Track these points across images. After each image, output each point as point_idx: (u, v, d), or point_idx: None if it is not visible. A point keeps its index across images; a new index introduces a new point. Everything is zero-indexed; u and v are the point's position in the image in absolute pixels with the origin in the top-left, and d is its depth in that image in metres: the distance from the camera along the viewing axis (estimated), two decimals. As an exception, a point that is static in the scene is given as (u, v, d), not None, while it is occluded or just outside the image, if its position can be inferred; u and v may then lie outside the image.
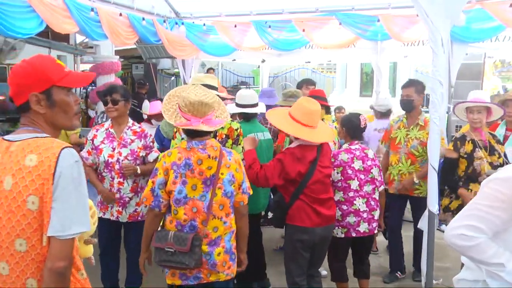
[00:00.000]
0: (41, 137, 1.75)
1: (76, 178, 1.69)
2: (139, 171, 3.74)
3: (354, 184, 3.85)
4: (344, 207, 3.84)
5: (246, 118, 4.27)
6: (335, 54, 8.24)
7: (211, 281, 2.92)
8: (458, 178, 4.21)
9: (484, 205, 1.84)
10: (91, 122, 8.22)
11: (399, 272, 4.80)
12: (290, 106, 3.71)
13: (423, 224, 3.95)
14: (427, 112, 4.11)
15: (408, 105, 4.61)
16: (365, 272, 4.16)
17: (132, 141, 3.79)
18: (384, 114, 5.88)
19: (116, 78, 9.21)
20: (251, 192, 3.06)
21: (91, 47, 9.44)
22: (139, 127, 3.91)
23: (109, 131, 3.81)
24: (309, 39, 7.21)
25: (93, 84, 9.18)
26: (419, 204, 4.39)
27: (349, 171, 3.85)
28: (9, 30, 4.73)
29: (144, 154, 3.82)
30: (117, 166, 3.73)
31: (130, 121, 3.91)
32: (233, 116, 4.68)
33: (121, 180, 3.75)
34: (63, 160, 1.67)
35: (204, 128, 2.77)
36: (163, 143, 4.95)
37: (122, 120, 3.83)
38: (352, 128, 3.98)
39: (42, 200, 1.64)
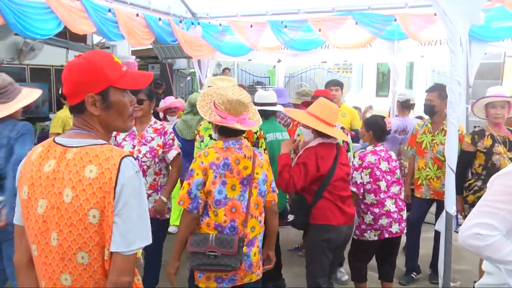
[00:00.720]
0: (98, 144, 1.66)
1: (137, 190, 1.62)
2: (165, 200, 3.80)
3: (383, 185, 3.85)
4: (376, 210, 3.83)
5: (265, 115, 4.28)
6: (351, 54, 8.17)
7: (244, 282, 2.89)
8: (475, 174, 4.18)
9: (493, 201, 1.83)
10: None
11: (414, 273, 4.75)
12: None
13: (440, 225, 3.92)
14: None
15: (429, 110, 4.59)
16: (391, 275, 4.15)
17: (152, 138, 3.82)
18: (404, 107, 5.66)
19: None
20: (277, 190, 3.09)
21: (108, 47, 9.53)
22: (161, 124, 3.94)
23: (132, 128, 3.84)
24: (325, 39, 7.16)
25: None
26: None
27: (377, 173, 3.85)
28: (28, 31, 4.79)
29: (162, 152, 3.82)
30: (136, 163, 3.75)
31: (153, 119, 3.96)
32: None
33: None
34: (124, 171, 1.60)
35: (239, 127, 2.77)
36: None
37: (145, 119, 3.89)
38: (379, 131, 3.98)
39: (103, 214, 1.58)
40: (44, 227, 1.63)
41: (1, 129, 3.30)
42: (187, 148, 4.77)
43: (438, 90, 4.51)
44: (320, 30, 7.02)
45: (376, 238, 3.86)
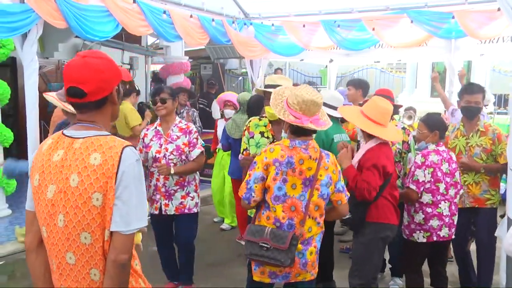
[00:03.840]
0: (103, 135, 1.82)
1: (137, 176, 1.78)
2: (172, 171, 3.85)
3: (441, 187, 3.75)
4: (429, 210, 3.74)
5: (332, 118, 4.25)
6: (406, 53, 7.95)
7: (298, 280, 2.95)
8: None
9: None
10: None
11: None
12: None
13: (501, 232, 3.76)
14: (498, 114, 3.85)
15: (476, 113, 4.22)
16: (444, 282, 4.01)
17: (178, 137, 3.99)
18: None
19: (185, 78, 9.46)
20: (346, 192, 3.03)
21: (161, 48, 9.75)
22: (185, 124, 4.11)
23: (157, 129, 4.06)
24: (379, 38, 7.04)
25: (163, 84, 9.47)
26: (488, 216, 4.17)
27: (439, 174, 3.75)
28: (88, 34, 4.98)
29: (188, 150, 3.98)
30: (163, 161, 3.91)
31: (178, 119, 4.13)
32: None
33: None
34: (125, 159, 1.75)
35: (313, 127, 2.81)
36: (229, 141, 5.08)
37: (169, 118, 4.05)
38: (444, 129, 3.91)
39: (106, 197, 1.74)
40: (53, 210, 1.80)
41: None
42: (235, 146, 4.83)
43: (482, 91, 4.27)
44: (373, 29, 6.90)
45: (424, 240, 3.77)
